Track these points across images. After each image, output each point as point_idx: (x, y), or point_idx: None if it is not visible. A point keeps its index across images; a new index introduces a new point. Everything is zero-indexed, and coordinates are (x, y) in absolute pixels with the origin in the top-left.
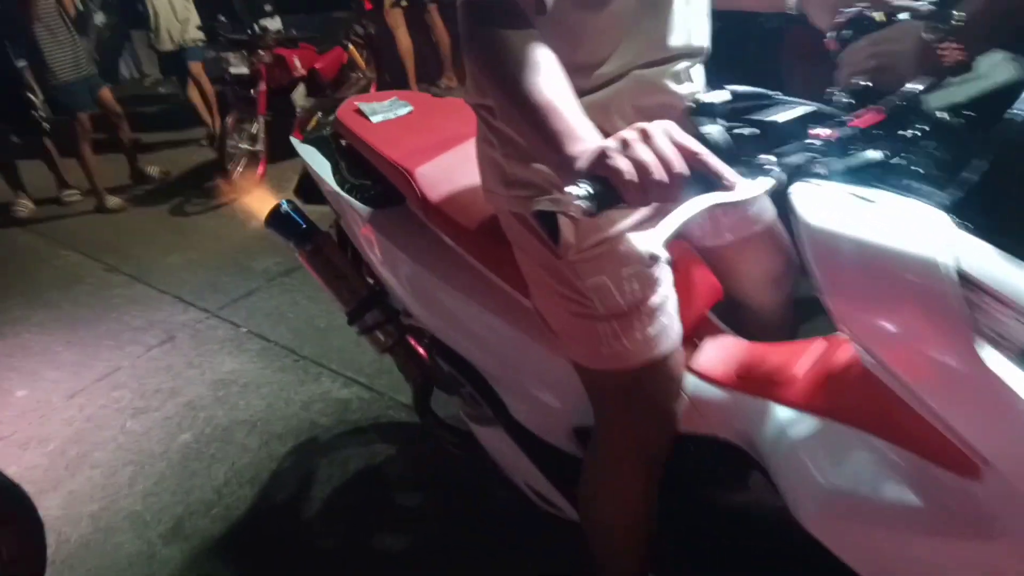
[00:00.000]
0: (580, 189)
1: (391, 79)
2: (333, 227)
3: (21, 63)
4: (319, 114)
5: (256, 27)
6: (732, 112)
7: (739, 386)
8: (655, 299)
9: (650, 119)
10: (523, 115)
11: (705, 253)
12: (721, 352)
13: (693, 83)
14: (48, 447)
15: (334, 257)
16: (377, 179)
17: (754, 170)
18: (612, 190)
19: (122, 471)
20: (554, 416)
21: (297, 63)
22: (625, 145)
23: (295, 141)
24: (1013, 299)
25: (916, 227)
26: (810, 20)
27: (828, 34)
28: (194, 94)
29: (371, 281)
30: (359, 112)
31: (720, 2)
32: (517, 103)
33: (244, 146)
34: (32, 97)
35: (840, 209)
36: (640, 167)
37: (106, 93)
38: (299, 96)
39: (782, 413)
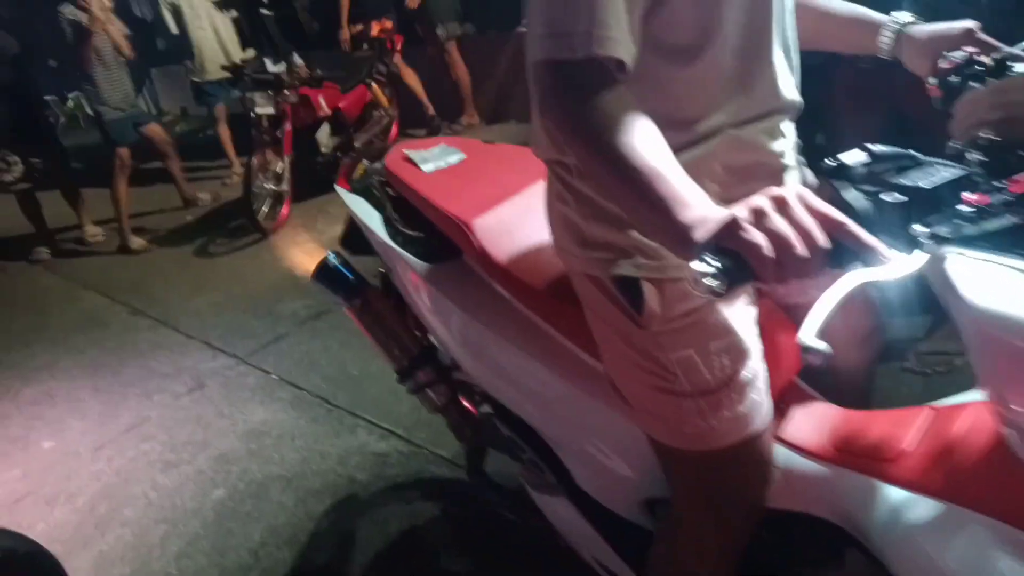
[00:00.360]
0: (707, 265)
1: (408, 117)
2: (377, 276)
3: (73, 94)
4: (365, 162)
5: (289, 61)
6: (870, 175)
7: (837, 459)
8: (746, 373)
9: (742, 179)
10: (621, 181)
11: (789, 311)
12: (813, 420)
13: (786, 138)
14: (76, 503)
15: (385, 313)
16: (431, 231)
17: (900, 242)
18: (744, 266)
19: (154, 530)
20: (624, 486)
21: (322, 102)
22: (758, 214)
23: (341, 191)
24: None
25: None
26: (906, 65)
27: (930, 80)
28: (223, 130)
29: (419, 334)
30: (409, 160)
31: (807, 43)
32: (613, 168)
33: (269, 186)
34: (58, 139)
35: (1009, 287)
36: (777, 240)
37: (155, 128)
38: (323, 135)
39: (893, 493)
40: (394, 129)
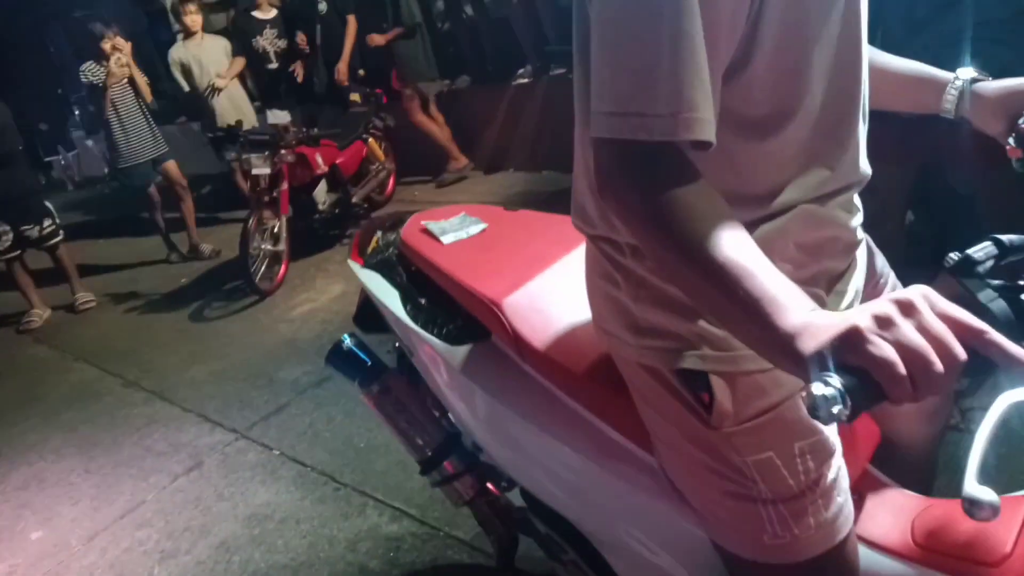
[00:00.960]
0: (828, 387)
1: (406, 168)
2: (393, 352)
3: (89, 142)
4: (379, 233)
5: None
6: (1001, 269)
7: (927, 560)
8: (831, 474)
9: (815, 257)
10: (703, 278)
11: None
12: (892, 512)
13: (860, 211)
14: None
15: (406, 398)
16: (456, 310)
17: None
18: (872, 386)
19: None
20: None
21: (319, 160)
22: (884, 322)
23: (354, 265)
24: None
25: None
26: (977, 125)
27: (1010, 141)
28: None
29: (439, 417)
30: (427, 232)
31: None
32: (694, 263)
33: (266, 246)
34: (48, 205)
35: None
36: (910, 354)
37: (171, 166)
38: (320, 192)
39: None
40: (391, 183)
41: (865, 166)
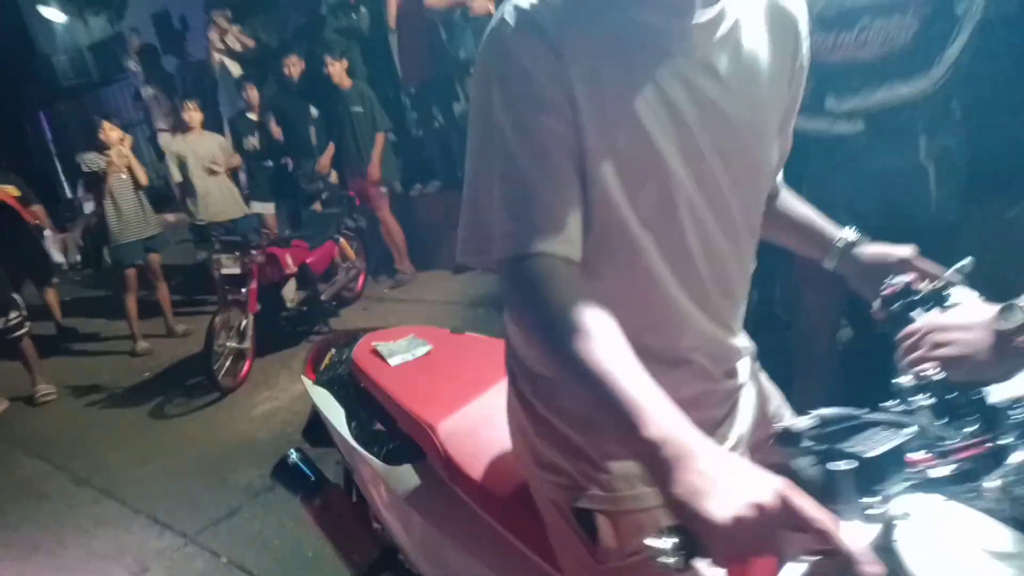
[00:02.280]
0: (665, 541)
1: (376, 265)
2: (340, 466)
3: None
4: (333, 350)
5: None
6: (820, 438)
7: None
8: None
9: (688, 407)
10: (579, 382)
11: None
12: None
13: (743, 367)
14: None
15: (345, 514)
16: (396, 431)
17: (852, 511)
18: (702, 547)
19: None
20: None
21: (289, 260)
22: (723, 500)
23: (307, 381)
24: None
25: None
26: (851, 285)
27: (874, 304)
28: None
29: (380, 534)
30: (376, 353)
31: (766, 236)
32: (571, 368)
33: (231, 344)
34: (15, 297)
35: (954, 561)
36: (743, 541)
37: (154, 258)
38: (289, 290)
39: None
40: (361, 280)
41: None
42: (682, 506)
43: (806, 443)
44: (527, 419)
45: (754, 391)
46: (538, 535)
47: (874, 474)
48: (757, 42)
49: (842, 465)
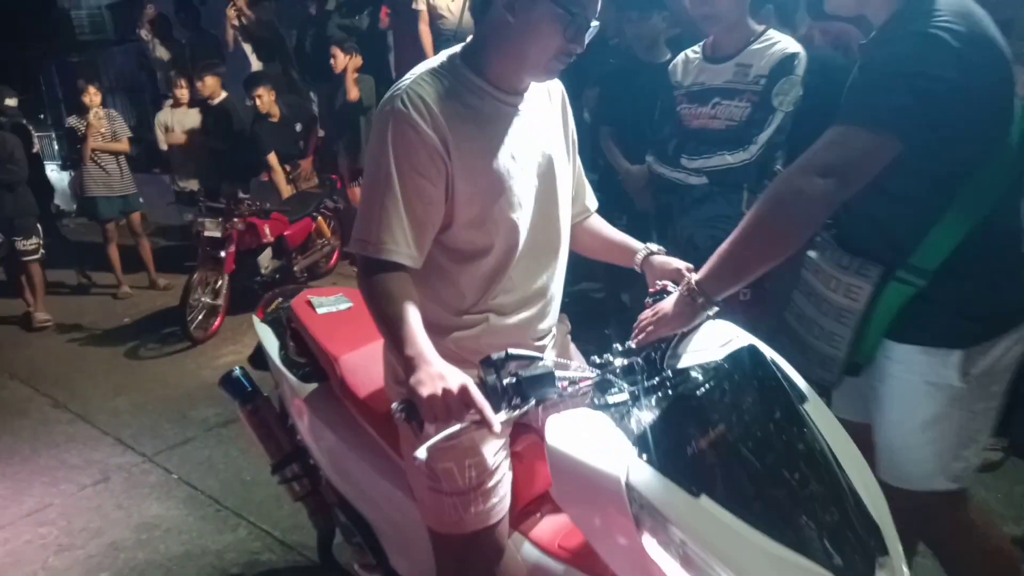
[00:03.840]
0: (400, 407)
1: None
2: (274, 392)
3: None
4: (280, 299)
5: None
6: (507, 360)
7: (561, 556)
8: (490, 483)
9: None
10: (385, 325)
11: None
12: (555, 527)
13: (550, 328)
14: None
15: (269, 418)
16: (311, 360)
17: (498, 405)
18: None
19: None
20: (420, 568)
21: (267, 231)
22: (429, 385)
23: (256, 320)
24: (657, 506)
25: (609, 450)
26: (648, 279)
27: (647, 299)
28: None
29: (297, 440)
30: (309, 304)
31: (585, 253)
32: (382, 317)
33: (206, 299)
34: (39, 227)
35: (571, 434)
36: (435, 403)
37: (136, 217)
38: (264, 258)
39: None
40: (335, 257)
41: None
42: (410, 388)
43: (492, 365)
44: (386, 353)
45: (557, 345)
46: (395, 438)
47: (531, 385)
48: (551, 113)
49: (508, 380)
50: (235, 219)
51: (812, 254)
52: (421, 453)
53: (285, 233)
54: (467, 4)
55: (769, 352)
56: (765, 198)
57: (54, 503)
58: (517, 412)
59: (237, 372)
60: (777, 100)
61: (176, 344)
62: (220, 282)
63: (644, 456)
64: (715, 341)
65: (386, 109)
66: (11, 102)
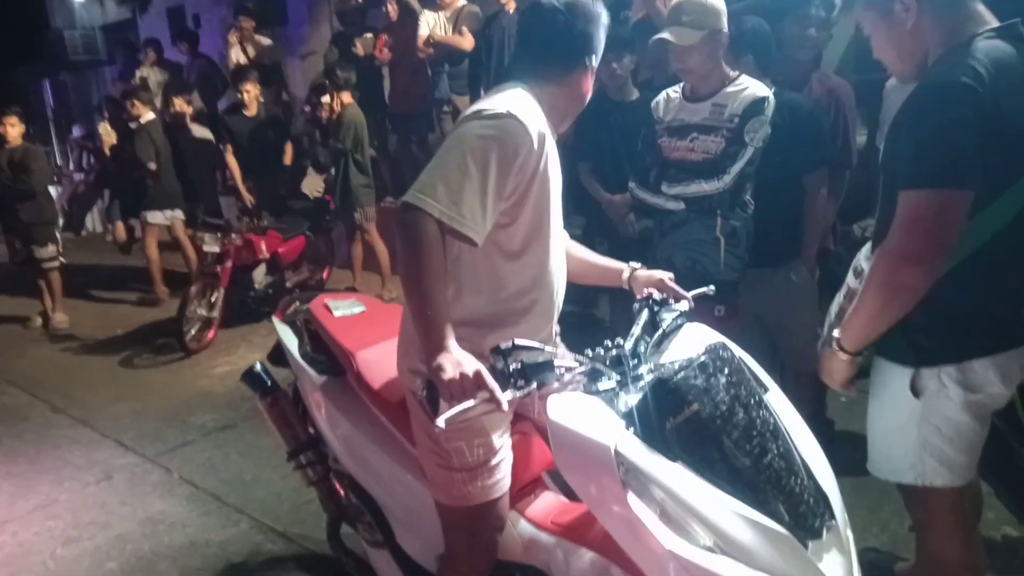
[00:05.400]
0: (423, 388)
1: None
2: (291, 387)
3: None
4: (297, 303)
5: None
6: (514, 349)
7: (553, 530)
8: (494, 461)
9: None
10: (411, 295)
11: (541, 430)
12: (548, 506)
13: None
14: None
15: (287, 409)
16: (329, 355)
17: (506, 386)
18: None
19: None
20: (425, 542)
21: (263, 247)
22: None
23: (276, 320)
24: (641, 470)
25: (601, 425)
26: (634, 291)
27: (634, 305)
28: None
29: (311, 431)
30: (326, 307)
31: (574, 278)
32: (412, 286)
33: (202, 311)
34: (58, 235)
35: (569, 412)
36: (454, 383)
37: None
38: (259, 274)
39: (573, 549)
40: (326, 273)
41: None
42: (432, 371)
43: (501, 353)
44: (401, 346)
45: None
46: (405, 425)
47: (534, 372)
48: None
49: (514, 366)
50: (233, 235)
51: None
52: (441, 422)
53: (279, 250)
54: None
55: (738, 351)
56: (877, 293)
57: (60, 499)
58: (521, 393)
59: (258, 367)
60: (748, 136)
61: (170, 354)
62: (216, 296)
63: (630, 429)
64: (692, 341)
65: (502, 113)
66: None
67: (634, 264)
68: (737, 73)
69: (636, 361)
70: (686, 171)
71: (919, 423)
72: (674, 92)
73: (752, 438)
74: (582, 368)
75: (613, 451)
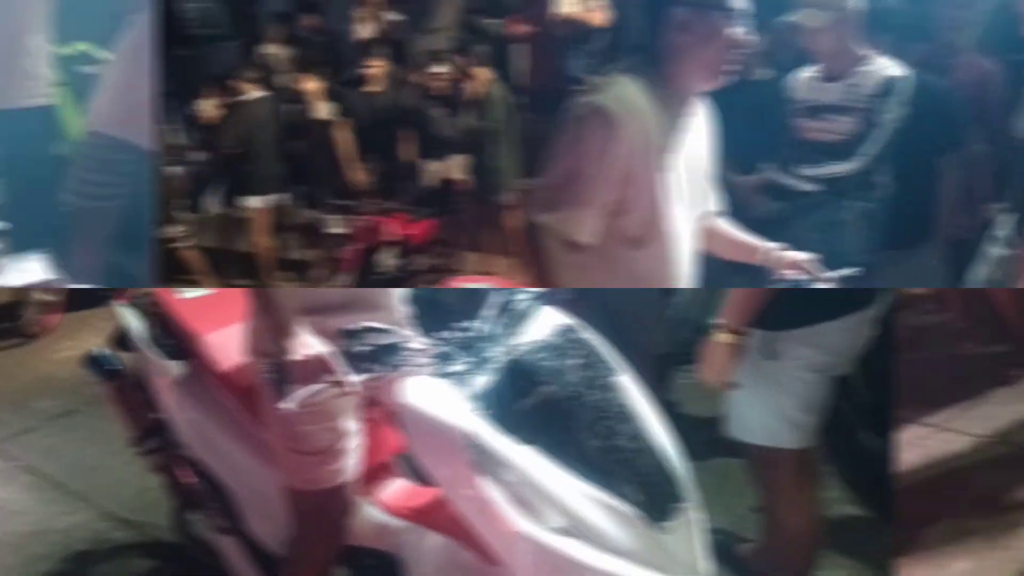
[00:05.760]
0: (270, 374)
1: None
2: (136, 371)
3: None
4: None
5: None
6: (364, 332)
7: (404, 515)
8: (343, 445)
9: None
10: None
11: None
12: (398, 490)
13: None
14: None
15: (131, 394)
16: (177, 338)
17: (364, 369)
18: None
19: None
20: (275, 528)
21: (392, 229)
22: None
23: (116, 304)
24: (491, 453)
25: (451, 408)
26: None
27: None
28: None
29: (158, 415)
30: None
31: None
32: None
33: (36, 296)
34: None
35: (420, 395)
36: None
37: None
38: (386, 256)
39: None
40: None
41: None
42: (278, 353)
43: (350, 334)
44: (249, 327)
45: None
46: (255, 408)
47: (383, 353)
48: None
49: (360, 346)
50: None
51: None
52: (288, 404)
53: (409, 232)
54: None
55: (589, 333)
56: None
57: None
58: (369, 376)
59: (99, 351)
60: (883, 117)
61: (10, 339)
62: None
63: (481, 412)
64: (544, 323)
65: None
66: None
67: (769, 244)
68: (873, 53)
69: (488, 343)
70: (820, 152)
71: (771, 384)
72: (808, 72)
73: (601, 420)
74: (433, 351)
75: (464, 434)
